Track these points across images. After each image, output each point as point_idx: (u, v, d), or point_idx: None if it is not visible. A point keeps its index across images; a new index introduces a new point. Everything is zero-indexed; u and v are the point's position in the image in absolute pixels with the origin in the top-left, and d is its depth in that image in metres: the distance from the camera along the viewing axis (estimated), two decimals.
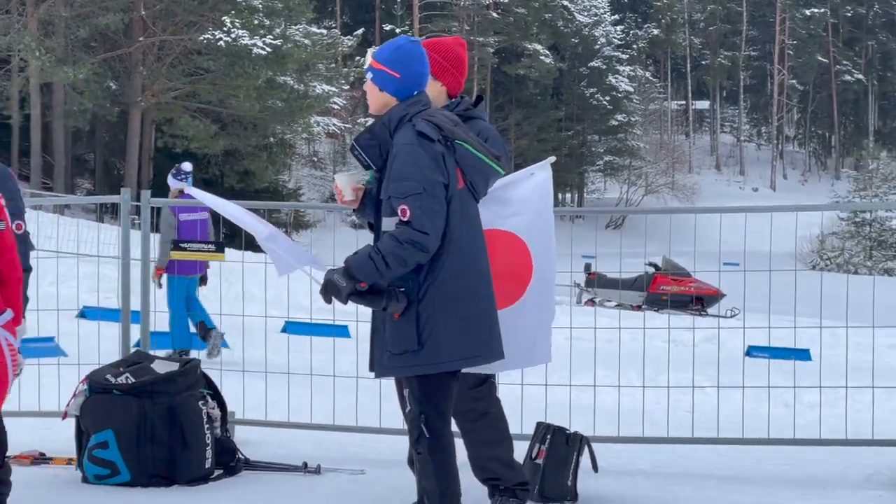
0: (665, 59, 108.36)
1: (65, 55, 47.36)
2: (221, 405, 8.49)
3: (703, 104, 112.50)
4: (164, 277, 14.44)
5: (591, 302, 34.64)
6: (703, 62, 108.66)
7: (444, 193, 5.92)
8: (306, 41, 49.95)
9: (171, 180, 15.09)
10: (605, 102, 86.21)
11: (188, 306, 14.76)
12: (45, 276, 13.90)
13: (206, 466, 8.15)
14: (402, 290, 5.92)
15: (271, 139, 54.05)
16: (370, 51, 6.29)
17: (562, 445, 7.71)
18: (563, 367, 9.10)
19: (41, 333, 12.53)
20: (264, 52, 48.60)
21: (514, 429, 8.26)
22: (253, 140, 52.35)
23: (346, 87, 60.27)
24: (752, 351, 17.03)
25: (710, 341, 16.60)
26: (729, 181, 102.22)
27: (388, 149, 6.06)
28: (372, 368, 6.21)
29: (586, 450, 7.82)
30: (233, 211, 7.09)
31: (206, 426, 8.17)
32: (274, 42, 49.02)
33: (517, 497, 7.09)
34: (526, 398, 8.98)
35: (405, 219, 5.83)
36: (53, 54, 46.82)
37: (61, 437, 8.62)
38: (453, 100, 7.12)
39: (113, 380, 8.14)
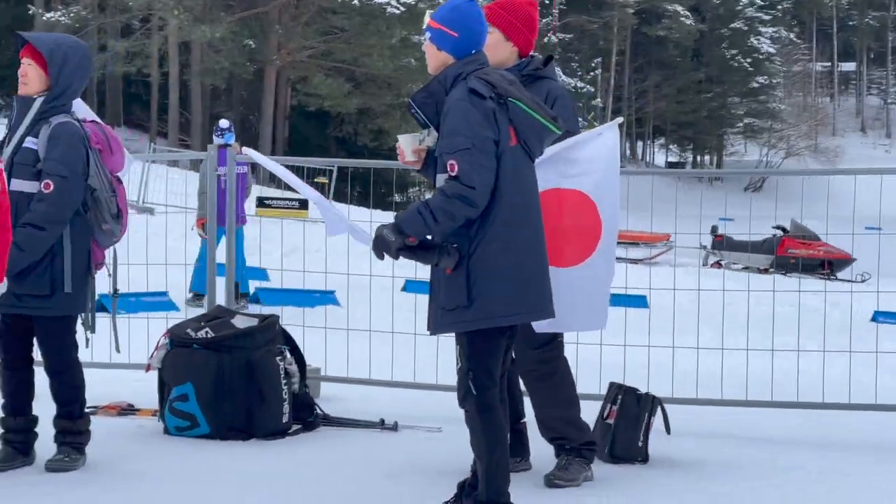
0: (810, 20, 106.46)
1: (202, 14, 47.85)
2: (300, 361, 8.61)
3: (850, 66, 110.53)
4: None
5: (718, 264, 34.37)
6: (851, 23, 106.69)
7: (493, 149, 5.94)
8: (441, 0, 49.92)
9: (214, 138, 16.25)
10: (746, 64, 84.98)
11: (240, 255, 15.35)
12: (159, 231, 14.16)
13: (284, 421, 8.29)
14: (455, 245, 5.96)
15: (406, 98, 54.11)
16: (428, 12, 6.32)
17: (632, 406, 7.73)
18: (662, 329, 9.07)
19: (151, 287, 12.85)
20: (398, 12, 48.75)
21: (593, 389, 8.32)
22: (387, 99, 52.46)
23: None
24: (877, 316, 16.83)
25: (837, 306, 16.46)
26: (875, 144, 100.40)
27: (444, 108, 6.11)
28: (429, 326, 6.25)
29: (660, 412, 7.81)
30: (283, 172, 7.22)
31: (284, 381, 8.29)
32: (408, 1, 49.14)
33: (583, 457, 7.14)
34: (615, 359, 9.02)
35: (453, 173, 5.88)
36: (191, 13, 47.37)
37: (151, 388, 8.79)
38: (523, 59, 7.14)
39: (193, 334, 8.30)
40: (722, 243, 35.46)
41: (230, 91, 57.55)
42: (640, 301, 14.74)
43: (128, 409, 8.90)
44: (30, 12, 51.24)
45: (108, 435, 8.14)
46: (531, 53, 7.25)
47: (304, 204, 8.31)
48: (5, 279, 6.40)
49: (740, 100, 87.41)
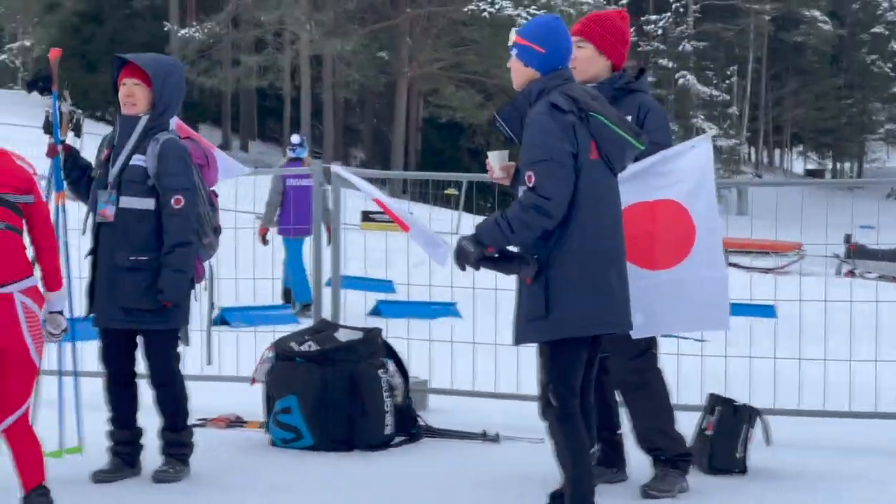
0: None
1: (334, 27, 48.40)
2: (403, 373, 8.68)
3: None
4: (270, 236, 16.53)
5: (851, 273, 33.84)
6: None
7: (571, 162, 6.00)
8: (571, 10, 49.88)
9: (287, 152, 17.55)
10: (887, 70, 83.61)
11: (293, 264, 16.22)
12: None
13: (386, 433, 8.38)
14: (535, 256, 6.01)
15: None
16: (513, 30, 6.39)
17: (729, 418, 7.70)
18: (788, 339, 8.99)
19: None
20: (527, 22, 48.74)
21: (695, 400, 8.29)
22: None
23: None
24: None
25: None
26: None
27: (525, 122, 6.17)
28: (513, 337, 6.32)
29: (759, 423, 7.76)
30: (370, 189, 7.36)
31: (386, 394, 8.38)
32: (537, 12, 49.13)
33: (678, 468, 7.14)
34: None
35: (530, 185, 5.96)
36: (323, 27, 47.97)
37: (259, 401, 8.92)
38: (616, 73, 7.18)
39: (296, 347, 8.43)
40: (855, 252, 34.92)
41: (362, 103, 58.06)
42: (767, 311, 14.62)
43: (236, 422, 9.05)
44: (164, 29, 52.28)
45: (215, 447, 8.31)
46: (624, 66, 7.29)
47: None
48: (63, 286, 6.54)
49: (881, 105, 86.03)
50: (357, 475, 7.67)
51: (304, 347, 8.40)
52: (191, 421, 8.60)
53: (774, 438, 7.82)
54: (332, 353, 8.36)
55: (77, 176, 7.41)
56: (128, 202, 7.19)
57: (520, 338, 6.24)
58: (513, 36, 6.34)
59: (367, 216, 7.90)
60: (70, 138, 7.36)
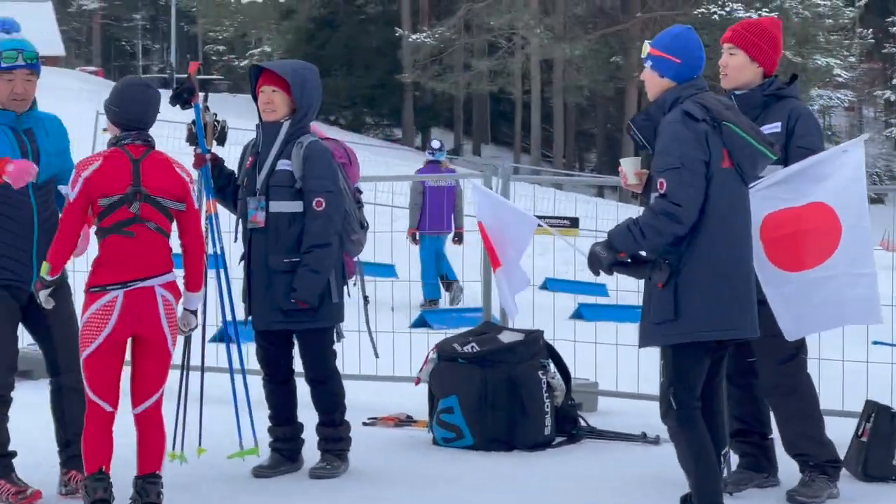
0: None
1: (563, 32, 48.63)
2: (565, 375, 8.80)
3: None
4: (418, 236, 17.48)
5: None
6: None
7: (702, 170, 6.08)
8: (806, 13, 49.23)
9: (427, 155, 18.56)
10: None
11: (437, 261, 17.21)
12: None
13: (546, 433, 8.50)
14: (667, 261, 6.10)
15: None
16: (646, 42, 6.48)
17: (885, 424, 7.62)
18: None
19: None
20: None
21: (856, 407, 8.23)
22: None
23: (851, 59, 58.69)
24: None
25: None
26: None
27: (658, 130, 6.27)
28: (639, 339, 6.44)
29: None
30: (502, 202, 7.61)
31: (546, 395, 8.50)
32: (769, 14, 48.54)
33: (827, 474, 7.13)
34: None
35: (662, 191, 6.06)
36: (552, 32, 48.20)
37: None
38: (767, 79, 7.21)
39: (459, 348, 8.61)
40: None
41: (594, 107, 58.08)
42: None
43: (405, 421, 9.26)
44: (396, 34, 53.15)
45: (379, 444, 8.55)
46: (775, 73, 7.31)
47: (574, 222, 8.55)
48: (202, 288, 6.82)
49: None
50: (515, 475, 7.81)
51: (467, 349, 8.58)
52: (362, 419, 8.95)
53: None
54: (492, 355, 8.51)
55: (223, 184, 7.64)
56: (277, 206, 7.41)
57: (645, 340, 6.35)
58: (647, 48, 6.42)
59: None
60: (214, 147, 7.55)
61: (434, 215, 17.37)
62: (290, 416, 7.75)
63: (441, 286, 17.33)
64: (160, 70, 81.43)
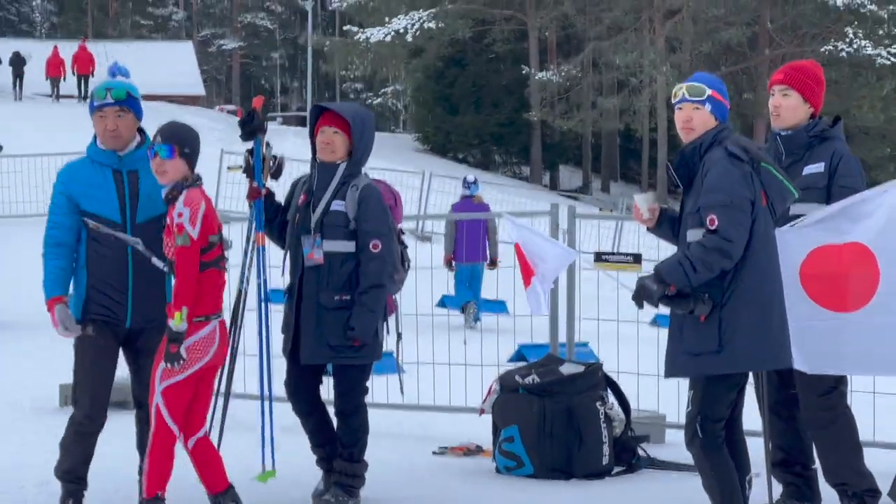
0: None
1: (689, 70, 48.55)
2: (625, 407, 9.07)
3: None
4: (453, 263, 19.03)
5: None
6: None
7: (749, 208, 6.40)
8: None
9: (462, 190, 19.76)
10: None
11: (471, 284, 18.91)
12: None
13: (603, 463, 8.76)
14: (708, 295, 6.39)
15: None
16: (702, 85, 6.72)
17: None
18: None
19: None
20: (888, 62, 47.86)
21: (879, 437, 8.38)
22: (877, 151, 51.64)
23: None
24: None
25: None
26: None
27: (696, 170, 6.54)
28: (667, 369, 6.70)
29: None
30: (529, 236, 7.95)
31: (604, 425, 8.76)
32: None
33: (865, 503, 7.29)
34: None
35: (712, 227, 6.35)
36: (678, 69, 48.21)
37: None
38: (812, 120, 7.43)
39: (520, 380, 8.92)
40: None
41: None
42: None
43: (474, 451, 9.56)
44: (523, 72, 53.51)
45: (445, 473, 8.89)
46: (819, 114, 7.53)
47: (637, 258, 8.77)
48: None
49: None
50: (571, 503, 8.08)
51: (528, 380, 8.87)
52: (432, 449, 9.28)
53: None
54: (551, 386, 8.80)
55: (271, 216, 7.84)
56: (331, 246, 7.62)
57: (676, 371, 6.61)
58: (707, 90, 6.64)
59: (599, 257, 8.22)
60: (269, 181, 7.77)
61: (470, 245, 18.70)
62: (329, 437, 7.91)
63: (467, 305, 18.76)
64: (298, 109, 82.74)
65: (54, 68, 50.37)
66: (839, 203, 7.15)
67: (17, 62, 51.60)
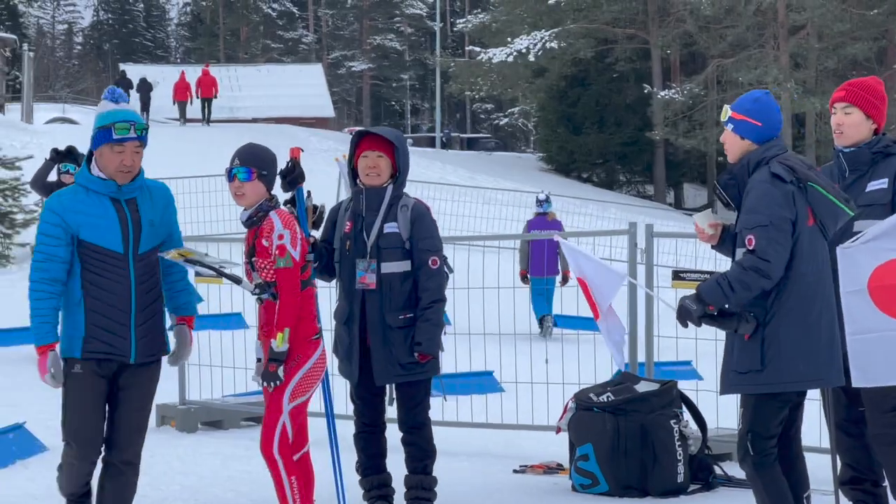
0: None
1: (815, 86, 48.13)
2: (701, 425, 9.10)
3: None
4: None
5: None
6: None
7: (790, 228, 6.43)
8: None
9: (535, 207, 21.17)
10: None
11: (547, 298, 19.61)
12: None
13: (679, 481, 8.79)
14: (752, 313, 6.44)
15: None
16: (726, 106, 6.82)
17: None
18: None
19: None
20: None
21: None
22: None
23: None
24: None
25: None
26: None
27: (746, 189, 6.60)
28: (721, 387, 6.76)
29: None
30: (583, 258, 8.06)
31: (678, 443, 8.80)
32: None
33: None
34: None
35: (751, 247, 6.41)
36: (803, 86, 47.77)
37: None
38: (875, 137, 7.43)
39: (595, 398, 8.99)
40: None
41: None
42: None
43: (554, 469, 9.65)
44: (646, 91, 53.37)
45: (523, 490, 9.01)
46: (883, 130, 7.53)
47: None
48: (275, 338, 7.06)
49: None
50: None
51: (602, 398, 8.94)
52: (513, 467, 9.41)
53: None
54: (625, 404, 8.85)
55: (323, 262, 7.91)
56: (389, 267, 7.78)
57: (729, 388, 6.66)
58: (728, 111, 6.74)
59: (677, 275, 8.25)
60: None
61: (538, 260, 19.61)
62: (382, 465, 8.13)
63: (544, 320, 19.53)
64: (429, 129, 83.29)
65: (181, 92, 51.45)
66: None
67: (144, 88, 53.19)
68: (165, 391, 11.91)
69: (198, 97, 50.29)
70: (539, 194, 21.31)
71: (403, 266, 7.83)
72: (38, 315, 6.57)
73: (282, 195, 7.49)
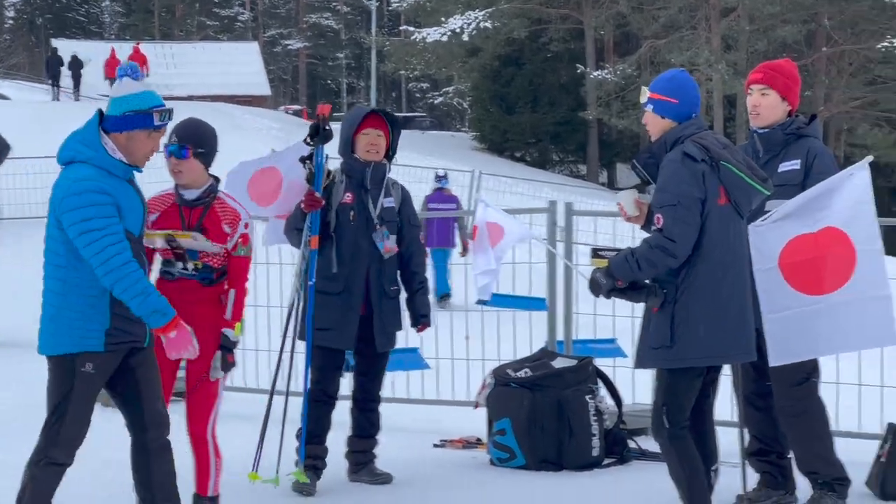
0: None
1: (745, 67, 48.43)
2: (617, 400, 9.29)
3: None
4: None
5: None
6: None
7: (698, 208, 6.55)
8: None
9: (433, 183, 21.77)
10: None
11: (445, 271, 20.13)
12: None
13: (594, 454, 8.96)
14: (664, 289, 6.61)
15: None
16: (644, 88, 6.95)
17: None
18: None
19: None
20: None
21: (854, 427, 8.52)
22: None
23: None
24: None
25: None
26: None
27: (661, 167, 6.75)
28: (635, 360, 6.95)
29: None
30: (503, 218, 8.27)
31: (594, 418, 8.97)
32: None
33: (835, 491, 7.50)
34: None
35: (658, 226, 6.56)
36: (734, 67, 48.14)
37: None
38: (788, 119, 7.60)
39: (513, 374, 9.15)
40: None
41: None
42: None
43: (473, 443, 9.79)
44: (579, 71, 53.63)
45: (441, 465, 9.15)
46: (796, 112, 7.70)
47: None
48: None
49: None
50: (560, 493, 8.29)
51: (520, 374, 9.10)
52: (432, 442, 9.56)
53: None
54: (542, 380, 9.00)
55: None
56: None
57: (642, 362, 6.83)
58: (646, 93, 6.87)
59: (596, 252, 8.34)
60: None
61: (441, 233, 20.53)
62: (326, 437, 8.35)
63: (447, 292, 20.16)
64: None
65: (112, 69, 51.72)
66: (808, 192, 7.23)
67: (75, 65, 53.33)
68: None
69: None
70: (438, 171, 22.71)
71: (395, 239, 8.25)
72: (150, 292, 6.03)
73: (301, 150, 7.93)
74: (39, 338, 6.20)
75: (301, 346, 8.18)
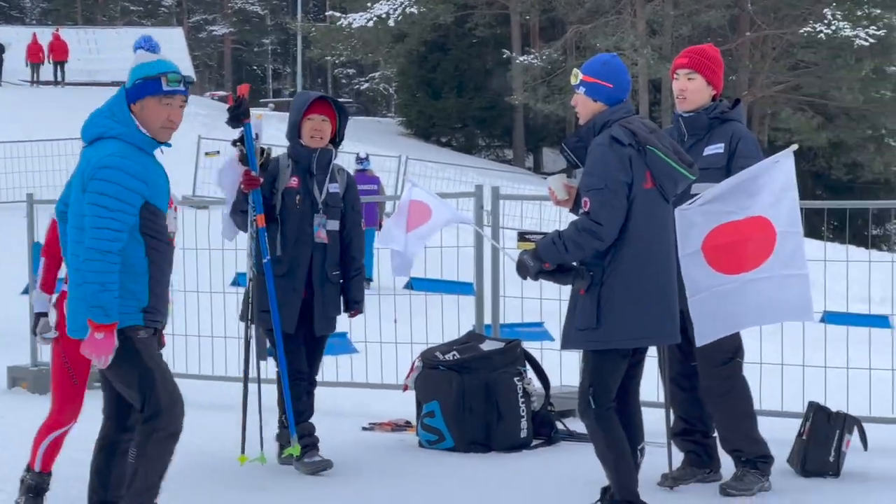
0: None
1: (670, 52, 48.68)
2: (544, 382, 9.37)
3: None
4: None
5: None
6: None
7: (625, 191, 6.63)
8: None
9: (355, 164, 22.54)
10: None
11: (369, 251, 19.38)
12: None
13: (522, 436, 9.07)
14: (590, 271, 6.68)
15: (883, 130, 53.07)
16: (576, 70, 6.99)
17: (823, 424, 8.14)
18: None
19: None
20: (867, 44, 47.98)
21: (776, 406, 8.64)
22: (859, 131, 51.79)
23: None
24: None
25: None
26: None
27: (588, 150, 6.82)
28: (562, 341, 7.00)
29: (857, 429, 8.17)
30: (432, 200, 8.42)
31: (522, 400, 9.06)
32: (877, 33, 48.25)
33: (758, 468, 7.66)
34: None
35: (585, 209, 6.64)
36: (659, 52, 48.41)
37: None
38: (712, 103, 7.70)
39: (441, 357, 9.22)
40: None
41: None
42: (881, 322, 15.22)
43: (402, 426, 9.87)
44: (505, 56, 53.74)
45: (371, 448, 9.21)
46: (720, 96, 7.81)
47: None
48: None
49: None
50: (489, 475, 8.36)
51: (448, 357, 9.17)
52: (361, 425, 9.62)
53: (872, 445, 8.23)
54: (470, 362, 9.09)
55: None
56: (332, 225, 8.38)
57: (568, 343, 6.91)
58: (579, 75, 6.92)
59: (522, 236, 8.37)
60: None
61: (367, 215, 20.02)
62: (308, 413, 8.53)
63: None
64: (290, 94, 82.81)
65: (34, 54, 51.71)
66: (734, 178, 7.35)
67: None
68: (17, 353, 11.97)
69: (50, 61, 50.34)
70: (360, 153, 23.83)
71: (338, 225, 8.39)
72: (110, 289, 5.90)
73: (220, 132, 7.82)
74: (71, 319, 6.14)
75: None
